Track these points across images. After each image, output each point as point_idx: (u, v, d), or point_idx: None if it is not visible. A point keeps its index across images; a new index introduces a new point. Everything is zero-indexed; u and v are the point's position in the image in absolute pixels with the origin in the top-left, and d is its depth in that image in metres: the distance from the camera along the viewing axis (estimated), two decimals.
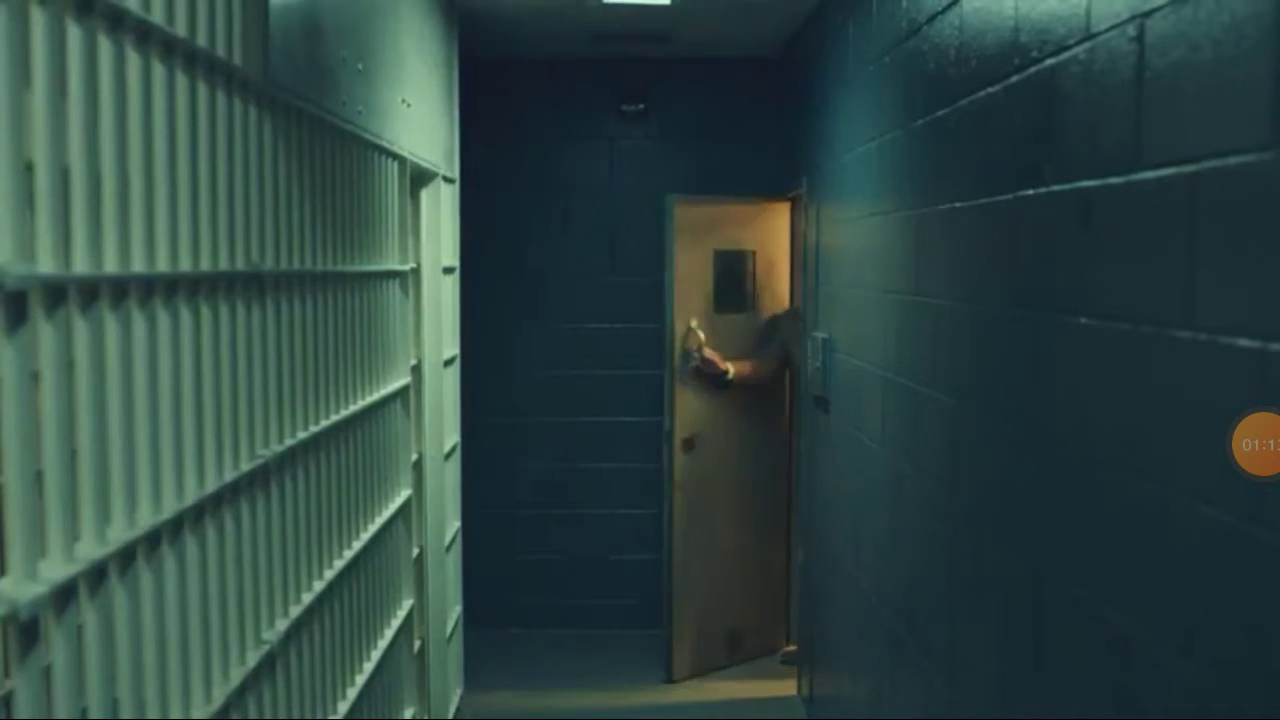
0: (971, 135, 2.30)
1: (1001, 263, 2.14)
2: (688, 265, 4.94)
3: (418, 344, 3.74)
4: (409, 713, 3.26)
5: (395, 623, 3.11)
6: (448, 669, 4.09)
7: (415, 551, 3.53)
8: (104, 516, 1.31)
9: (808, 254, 4.45)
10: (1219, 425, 1.33)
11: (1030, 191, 1.96)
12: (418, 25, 3.47)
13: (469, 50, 4.55)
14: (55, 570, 1.18)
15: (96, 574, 1.27)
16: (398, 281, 3.11)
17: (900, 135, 2.88)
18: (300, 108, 2.09)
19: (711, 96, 5.55)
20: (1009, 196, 2.06)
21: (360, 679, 2.63)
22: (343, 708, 2.44)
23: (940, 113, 2.49)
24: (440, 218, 3.99)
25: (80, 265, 1.25)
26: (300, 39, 2.09)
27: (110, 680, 1.31)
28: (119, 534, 1.34)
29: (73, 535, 1.24)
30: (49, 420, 1.19)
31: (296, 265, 2.08)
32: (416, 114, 3.41)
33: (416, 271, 3.69)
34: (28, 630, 1.11)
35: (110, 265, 1.32)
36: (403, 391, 3.21)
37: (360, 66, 2.59)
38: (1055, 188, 1.85)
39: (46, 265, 1.17)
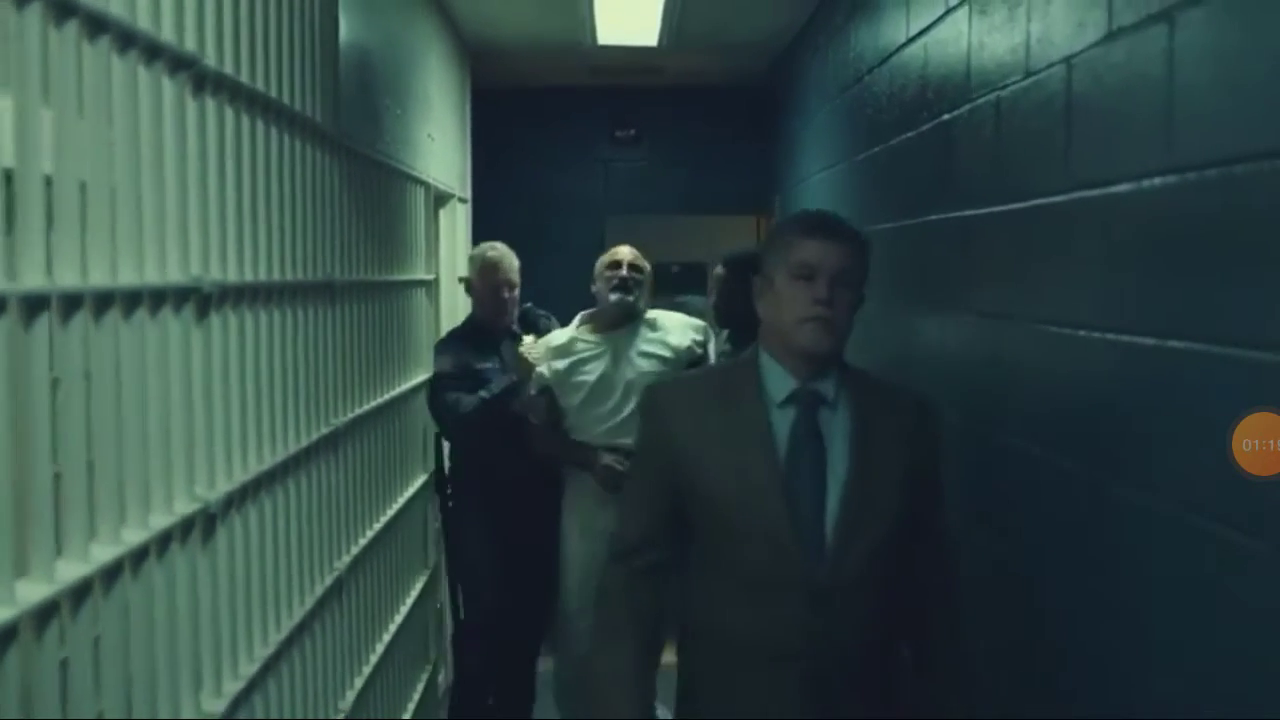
0: (896, 167, 2.84)
1: (912, 274, 2.67)
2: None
3: None
4: (431, 655, 3.78)
5: (419, 584, 3.62)
6: None
7: (436, 525, 4.05)
8: (229, 463, 1.81)
9: None
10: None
11: (934, 216, 2.49)
12: (439, 69, 4.01)
13: (477, 81, 5.09)
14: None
15: (233, 500, 1.79)
16: (424, 290, 3.64)
17: (845, 166, 3.41)
18: (358, 149, 2.62)
19: (698, 122, 6.10)
20: (917, 220, 2.59)
21: (393, 626, 3.15)
22: (383, 644, 2.96)
23: (875, 150, 3.03)
24: (456, 233, 4.53)
25: (228, 275, 1.77)
26: (359, 95, 2.63)
27: (213, 600, 1.83)
28: (239, 475, 1.85)
29: (211, 469, 1.76)
30: (225, 390, 1.71)
31: (356, 276, 2.61)
32: (438, 145, 3.94)
33: (436, 281, 4.22)
34: (208, 523, 1.63)
35: (232, 276, 1.83)
36: (426, 384, 3.73)
37: (399, 111, 3.13)
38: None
39: (218, 275, 1.70)
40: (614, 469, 3.26)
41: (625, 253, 3.50)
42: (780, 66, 5.19)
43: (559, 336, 3.50)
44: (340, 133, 2.43)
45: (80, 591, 1.27)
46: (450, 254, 4.46)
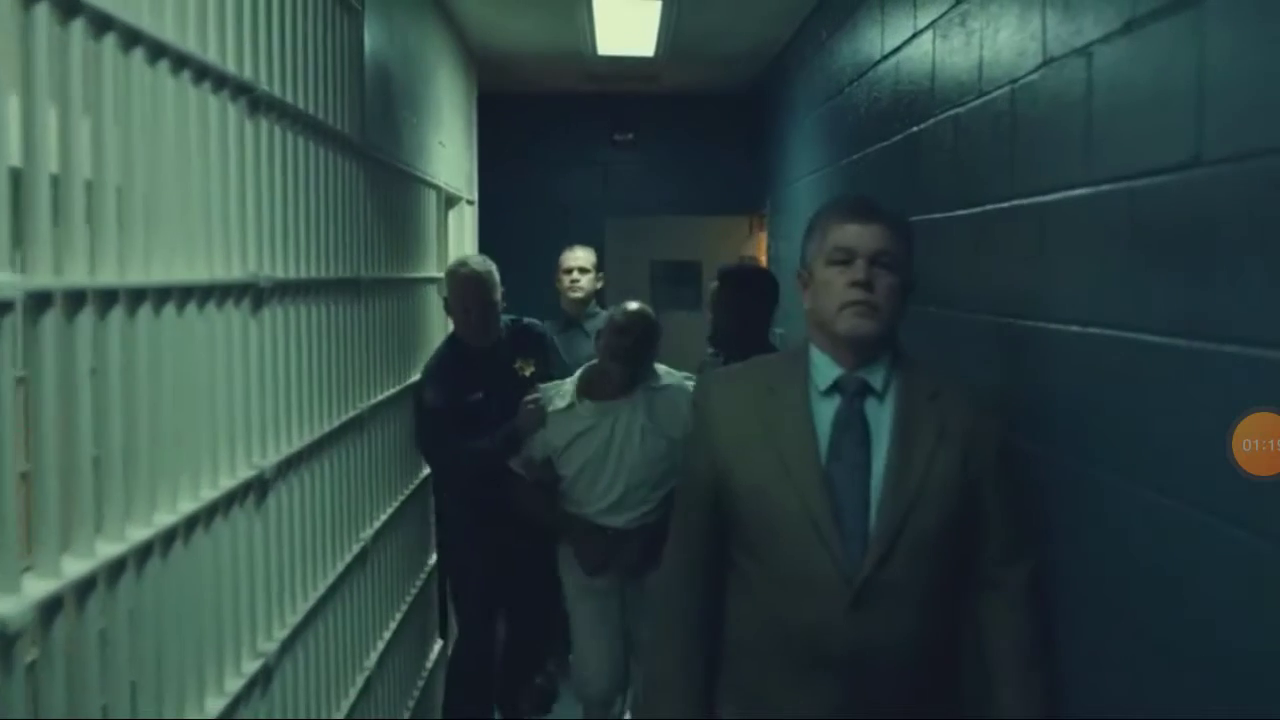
0: (873, 173, 3.08)
1: None
2: (635, 273, 5.94)
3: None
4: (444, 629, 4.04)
5: (430, 562, 3.87)
6: None
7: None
8: (277, 437, 2.06)
9: (772, 262, 5.24)
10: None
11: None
12: (450, 79, 4.25)
13: (483, 87, 5.34)
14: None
15: (280, 469, 2.04)
16: (435, 286, 3.88)
17: (829, 171, 3.66)
18: (380, 158, 2.87)
19: (692, 127, 6.36)
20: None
21: (409, 598, 3.40)
22: (400, 613, 3.21)
23: (854, 156, 3.28)
24: (463, 233, 4.79)
25: (277, 272, 2.02)
26: (381, 108, 2.88)
27: (261, 560, 2.08)
28: (284, 448, 2.10)
29: (264, 441, 2.01)
30: (272, 375, 1.96)
31: (378, 274, 2.86)
32: (448, 151, 4.19)
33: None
34: (261, 488, 1.88)
35: (280, 273, 2.07)
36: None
37: (414, 121, 3.37)
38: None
39: (270, 272, 1.95)
40: (593, 554, 3.13)
41: (637, 316, 3.13)
42: (770, 76, 5.44)
43: (559, 400, 3.19)
44: (366, 143, 2.68)
45: (168, 537, 1.52)
46: (458, 253, 4.70)
